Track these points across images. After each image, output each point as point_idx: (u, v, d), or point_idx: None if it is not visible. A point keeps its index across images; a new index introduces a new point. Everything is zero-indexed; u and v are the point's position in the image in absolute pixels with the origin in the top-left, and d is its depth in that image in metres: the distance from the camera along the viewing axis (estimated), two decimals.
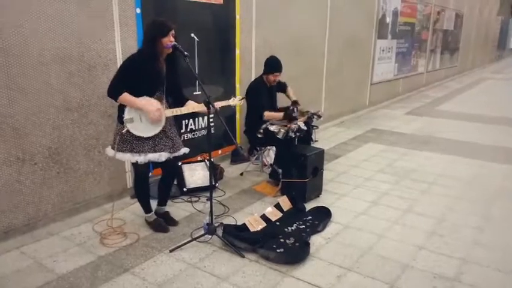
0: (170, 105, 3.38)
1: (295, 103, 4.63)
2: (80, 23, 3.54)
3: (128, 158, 3.22)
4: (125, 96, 3.10)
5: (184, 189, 4.28)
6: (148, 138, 3.21)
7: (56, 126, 3.51)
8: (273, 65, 4.61)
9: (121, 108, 3.18)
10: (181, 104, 3.39)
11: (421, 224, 3.75)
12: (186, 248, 3.26)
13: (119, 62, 3.85)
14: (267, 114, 4.54)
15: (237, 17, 5.19)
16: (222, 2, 4.91)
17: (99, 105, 3.79)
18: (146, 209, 3.57)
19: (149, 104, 3.12)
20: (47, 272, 2.93)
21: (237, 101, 3.58)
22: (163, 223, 3.58)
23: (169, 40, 3.12)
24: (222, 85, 5.16)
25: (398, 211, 4.02)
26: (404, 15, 10.22)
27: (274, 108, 4.83)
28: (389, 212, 3.99)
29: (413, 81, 12.06)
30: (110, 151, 3.28)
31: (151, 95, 3.18)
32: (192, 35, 4.61)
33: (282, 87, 4.97)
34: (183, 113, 3.33)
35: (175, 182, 4.33)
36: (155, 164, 3.51)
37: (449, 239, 3.48)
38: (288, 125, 4.26)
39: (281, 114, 4.51)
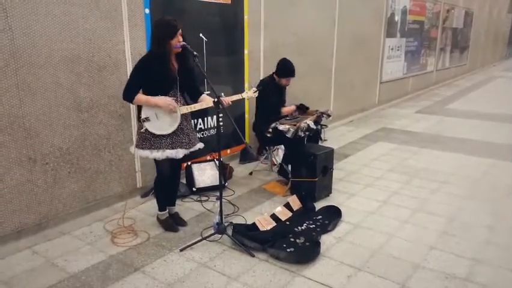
0: (187, 102, 3.41)
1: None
2: (90, 24, 3.56)
3: (147, 155, 3.27)
4: (140, 97, 3.19)
5: (194, 189, 4.29)
6: (166, 135, 3.26)
7: (67, 126, 3.54)
8: (287, 69, 4.62)
9: (139, 108, 3.25)
10: (196, 99, 3.43)
11: (432, 223, 3.72)
12: (196, 248, 3.27)
13: (129, 63, 3.88)
14: (284, 110, 4.77)
15: (245, 17, 5.18)
16: (230, 1, 4.91)
17: (109, 105, 3.81)
18: (161, 206, 3.59)
19: (164, 98, 3.18)
20: (58, 271, 2.95)
21: (251, 94, 3.57)
22: (173, 223, 3.60)
23: (178, 41, 3.14)
24: (230, 85, 5.16)
25: (408, 210, 3.99)
26: (413, 13, 10.15)
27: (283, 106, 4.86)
28: (400, 212, 3.96)
29: (423, 79, 11.97)
30: (132, 149, 3.37)
31: (165, 94, 3.22)
32: (201, 35, 4.62)
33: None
34: (197, 109, 3.36)
35: (185, 182, 4.35)
36: None
37: (461, 239, 3.45)
38: (298, 124, 4.25)
39: (293, 106, 4.79)
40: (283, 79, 4.63)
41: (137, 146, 3.29)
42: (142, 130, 3.23)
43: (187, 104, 3.35)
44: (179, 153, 3.30)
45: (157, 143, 3.25)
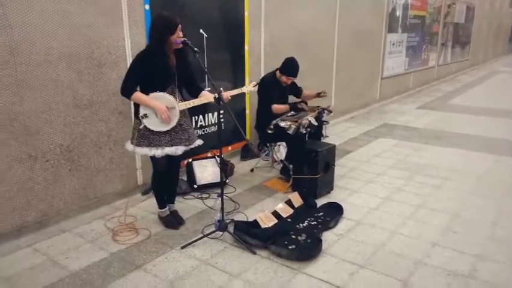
0: (185, 97, 3.38)
1: (318, 95, 4.77)
2: (89, 20, 3.53)
3: (146, 152, 3.24)
4: (138, 95, 3.15)
5: (195, 186, 4.28)
6: (165, 133, 3.23)
7: (67, 123, 3.52)
8: (290, 68, 4.56)
9: (137, 104, 3.21)
10: (196, 95, 3.40)
11: (435, 219, 3.71)
12: (198, 245, 3.25)
13: (129, 59, 3.85)
14: (275, 107, 4.53)
15: (246, 12, 5.15)
16: None
17: (109, 102, 3.79)
18: (161, 204, 3.58)
19: (160, 103, 3.13)
20: (59, 269, 2.94)
21: (251, 88, 3.54)
22: (174, 220, 3.58)
23: (178, 36, 3.11)
24: (231, 81, 5.14)
25: (411, 207, 3.97)
26: (414, 8, 10.10)
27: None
28: (402, 208, 3.94)
29: (424, 75, 11.93)
30: (129, 146, 3.32)
31: (163, 90, 3.18)
32: (201, 30, 4.59)
33: (297, 92, 4.95)
34: (196, 104, 3.32)
35: (185, 179, 4.34)
36: None
37: (463, 235, 3.43)
38: (299, 121, 4.22)
39: (287, 106, 4.53)
40: (284, 77, 4.59)
41: (135, 144, 3.25)
42: (140, 127, 3.20)
43: (185, 101, 3.33)
44: (178, 150, 3.28)
45: (156, 140, 3.22)
